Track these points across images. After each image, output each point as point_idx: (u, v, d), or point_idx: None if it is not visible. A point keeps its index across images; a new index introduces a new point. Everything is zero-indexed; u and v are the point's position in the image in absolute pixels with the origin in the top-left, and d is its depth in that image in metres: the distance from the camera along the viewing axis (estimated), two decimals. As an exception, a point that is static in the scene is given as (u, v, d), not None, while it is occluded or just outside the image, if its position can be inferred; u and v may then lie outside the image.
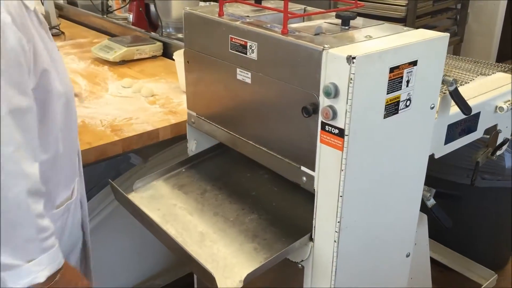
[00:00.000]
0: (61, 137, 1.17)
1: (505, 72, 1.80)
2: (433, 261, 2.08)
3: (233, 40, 1.27)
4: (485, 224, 2.26)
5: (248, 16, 1.34)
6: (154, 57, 2.40)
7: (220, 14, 1.33)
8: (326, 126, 1.11)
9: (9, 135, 0.97)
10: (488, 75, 1.75)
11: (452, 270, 2.33)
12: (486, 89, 1.63)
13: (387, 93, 1.12)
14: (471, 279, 2.28)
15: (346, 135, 1.08)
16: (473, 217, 2.24)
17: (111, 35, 2.73)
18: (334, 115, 1.08)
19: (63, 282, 1.12)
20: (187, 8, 1.42)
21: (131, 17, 2.79)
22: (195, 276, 1.79)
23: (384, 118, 1.14)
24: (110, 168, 1.92)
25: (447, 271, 2.33)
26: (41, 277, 1.06)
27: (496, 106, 1.60)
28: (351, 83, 1.04)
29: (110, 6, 3.08)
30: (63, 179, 1.24)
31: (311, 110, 1.12)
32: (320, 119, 1.11)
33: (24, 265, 1.04)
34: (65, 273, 1.13)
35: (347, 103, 1.05)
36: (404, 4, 3.42)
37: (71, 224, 1.30)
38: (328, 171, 1.15)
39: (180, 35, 2.54)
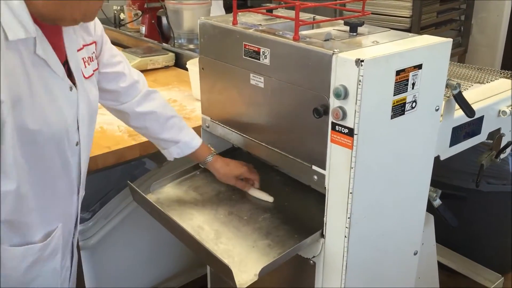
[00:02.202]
0: (20, 173, 1.11)
1: (508, 78, 1.86)
2: (440, 265, 2.12)
3: (247, 47, 1.34)
4: (492, 228, 2.30)
5: (260, 24, 1.41)
6: (166, 67, 2.48)
7: (234, 23, 1.41)
8: (336, 126, 1.17)
9: None
10: (491, 81, 1.81)
11: (459, 273, 2.37)
12: (489, 94, 1.68)
13: (394, 95, 1.18)
14: (478, 282, 2.32)
15: (356, 134, 1.14)
16: (479, 221, 2.28)
17: (124, 47, 2.82)
18: (344, 115, 1.14)
19: None
20: (202, 18, 1.50)
21: (143, 29, 2.88)
22: (208, 278, 1.84)
23: (391, 118, 1.20)
24: (126, 173, 1.99)
25: (454, 275, 2.37)
26: None
27: (499, 110, 1.66)
28: (359, 85, 1.10)
29: (123, 19, 3.17)
30: (32, 218, 1.18)
31: (322, 111, 1.19)
32: (331, 119, 1.18)
33: None
34: None
35: (356, 103, 1.12)
36: (409, 16, 3.48)
37: (39, 270, 1.23)
38: (338, 169, 1.21)
39: (191, 46, 2.62)
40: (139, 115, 1.46)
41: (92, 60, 1.28)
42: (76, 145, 1.22)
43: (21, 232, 1.18)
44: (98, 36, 1.32)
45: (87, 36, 1.26)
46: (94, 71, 1.29)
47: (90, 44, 1.27)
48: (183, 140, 1.52)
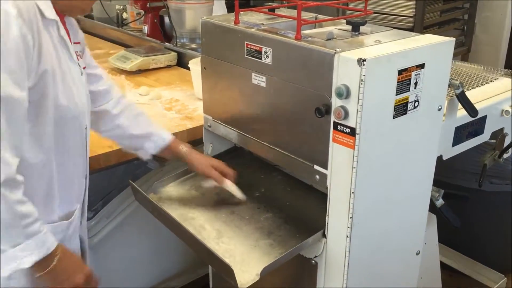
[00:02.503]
0: (50, 147, 1.18)
1: (511, 77, 1.85)
2: (442, 265, 2.11)
3: (249, 46, 1.34)
4: (494, 228, 2.30)
5: (262, 23, 1.41)
6: (169, 66, 2.48)
7: (236, 22, 1.41)
8: (338, 126, 1.17)
9: None
10: (495, 80, 1.80)
11: (461, 273, 2.36)
12: (492, 93, 1.68)
13: (396, 94, 1.18)
14: (481, 282, 2.31)
15: (358, 134, 1.14)
16: (482, 221, 2.28)
17: (126, 46, 2.82)
18: (346, 115, 1.14)
19: (59, 269, 1.14)
20: (204, 17, 1.49)
21: (146, 28, 2.88)
22: (210, 278, 1.84)
23: (393, 118, 1.20)
24: (128, 173, 1.98)
25: (457, 275, 2.36)
26: (27, 263, 1.08)
27: (503, 110, 1.65)
28: (361, 84, 1.10)
29: (125, 19, 3.18)
30: (59, 195, 1.24)
31: (324, 110, 1.18)
32: (333, 119, 1.17)
33: (9, 250, 1.07)
34: (62, 259, 1.15)
35: (358, 103, 1.11)
36: (412, 15, 3.48)
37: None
38: (340, 169, 1.20)
39: (193, 45, 2.62)
40: (113, 116, 1.49)
41: (81, 58, 1.33)
42: (86, 128, 1.29)
43: (50, 209, 1.24)
44: (81, 38, 1.38)
45: (75, 37, 1.32)
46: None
47: (78, 43, 1.33)
48: (155, 132, 1.53)
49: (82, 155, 1.30)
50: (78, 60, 1.29)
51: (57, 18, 1.16)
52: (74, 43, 1.29)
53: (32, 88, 1.08)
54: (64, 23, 1.23)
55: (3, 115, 1.01)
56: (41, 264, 1.11)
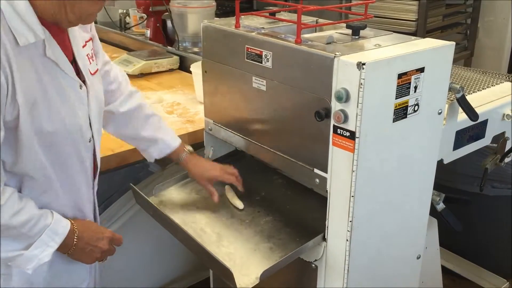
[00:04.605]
0: (46, 174, 1.16)
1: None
2: (445, 269, 2.11)
3: (249, 50, 1.35)
4: (496, 232, 2.29)
5: (263, 27, 1.41)
6: (171, 70, 2.49)
7: (237, 26, 1.41)
8: (338, 129, 1.17)
9: None
10: (496, 84, 1.80)
11: (464, 278, 2.35)
12: (493, 97, 1.67)
13: (396, 98, 1.18)
14: (483, 286, 2.30)
15: (357, 137, 1.14)
16: (484, 225, 2.27)
17: (129, 50, 2.83)
18: (346, 118, 1.14)
19: (83, 243, 1.22)
20: (205, 21, 1.50)
21: (148, 32, 2.89)
22: (211, 281, 1.84)
23: (393, 122, 1.20)
24: (129, 176, 1.98)
25: (459, 280, 2.36)
26: (46, 257, 1.15)
27: (504, 114, 1.65)
28: (361, 88, 1.10)
29: (128, 23, 3.19)
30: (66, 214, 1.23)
31: (324, 114, 1.18)
32: (332, 122, 1.18)
33: (25, 253, 1.13)
34: (82, 233, 1.22)
35: (357, 107, 1.12)
36: (414, 19, 3.47)
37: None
38: (340, 172, 1.21)
39: (196, 49, 2.63)
40: (121, 114, 1.45)
41: (93, 57, 1.28)
42: (90, 141, 1.24)
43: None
44: (93, 32, 1.32)
45: (85, 33, 1.26)
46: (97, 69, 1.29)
47: (89, 40, 1.27)
48: (162, 139, 1.50)
49: (83, 169, 1.25)
50: (93, 60, 1.25)
51: (43, 36, 1.06)
52: (86, 41, 1.23)
53: (11, 121, 1.05)
54: (64, 31, 1.15)
55: None
56: (63, 248, 1.18)
